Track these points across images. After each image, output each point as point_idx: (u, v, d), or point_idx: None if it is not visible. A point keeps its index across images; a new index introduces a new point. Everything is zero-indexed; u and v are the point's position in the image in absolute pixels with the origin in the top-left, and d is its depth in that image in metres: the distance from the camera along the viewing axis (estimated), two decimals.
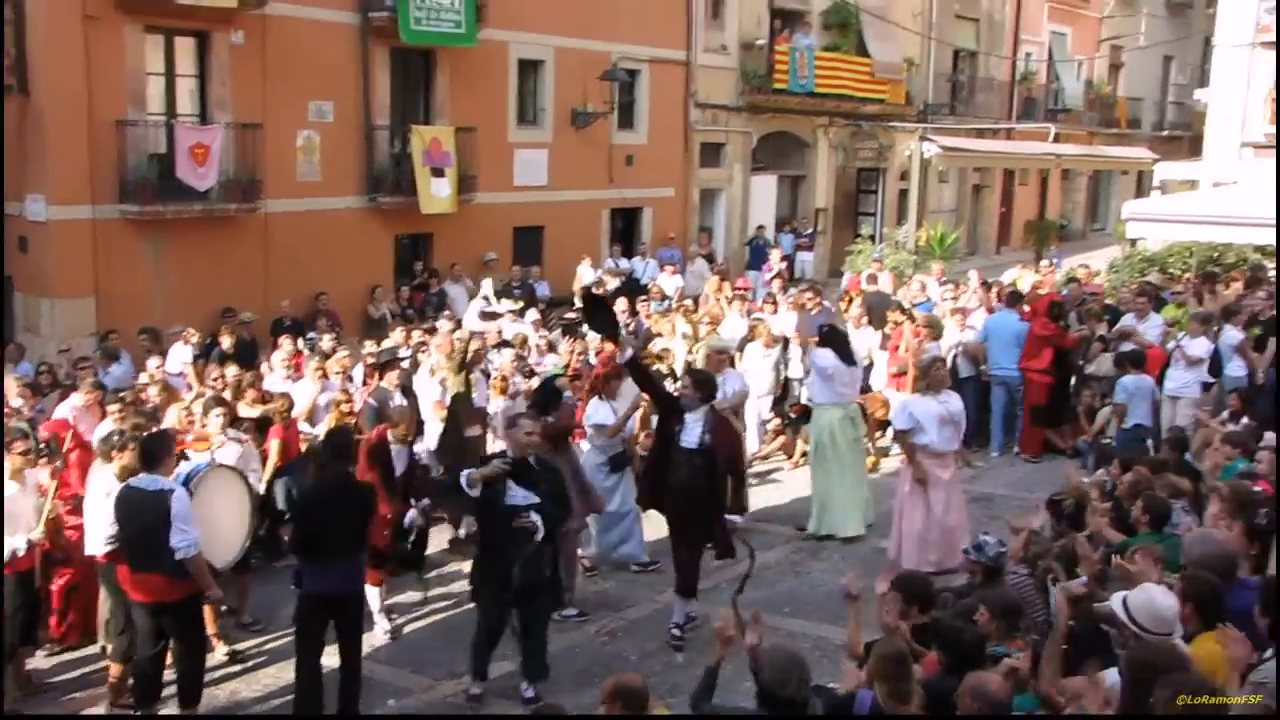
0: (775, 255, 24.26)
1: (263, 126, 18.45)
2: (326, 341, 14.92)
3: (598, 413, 11.04)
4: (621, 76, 24.05)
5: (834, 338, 12.49)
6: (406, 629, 10.00)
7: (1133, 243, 24.90)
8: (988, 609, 6.37)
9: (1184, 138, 43.51)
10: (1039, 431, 15.34)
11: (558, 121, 23.43)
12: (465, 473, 8.31)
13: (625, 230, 25.53)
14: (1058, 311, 15.43)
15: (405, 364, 13.30)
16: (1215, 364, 14.27)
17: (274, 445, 11.08)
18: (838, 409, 12.27)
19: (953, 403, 11.11)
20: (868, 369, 15.07)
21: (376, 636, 9.56)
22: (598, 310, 10.79)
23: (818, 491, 12.31)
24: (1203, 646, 5.62)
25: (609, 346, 11.69)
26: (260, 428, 11.15)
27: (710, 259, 24.72)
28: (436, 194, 20.49)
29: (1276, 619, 5.60)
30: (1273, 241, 22.06)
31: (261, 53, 18.55)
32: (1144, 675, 4.72)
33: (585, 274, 21.55)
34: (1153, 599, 5.85)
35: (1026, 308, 15.68)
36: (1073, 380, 15.70)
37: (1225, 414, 12.48)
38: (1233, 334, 14.54)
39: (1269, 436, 10.28)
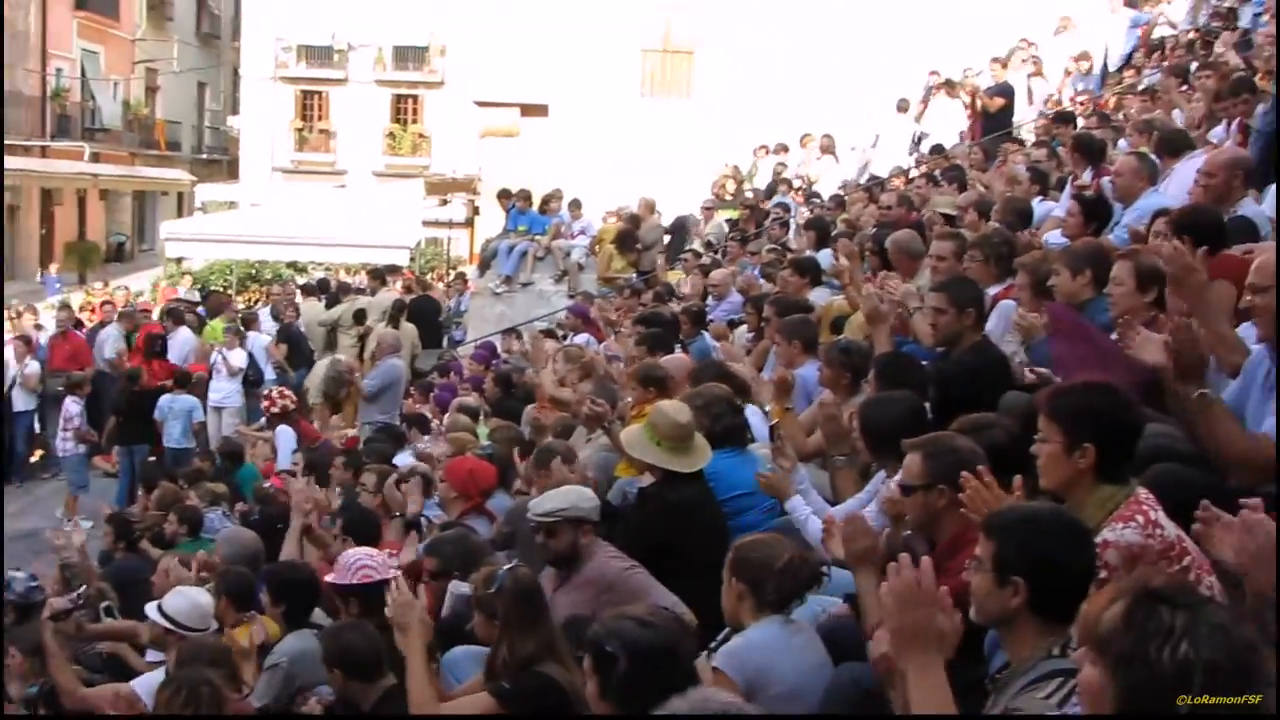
0: None
1: None
2: None
3: None
4: None
5: None
6: None
7: (177, 261, 25.38)
8: (19, 649, 6.16)
9: (222, 161, 45.19)
10: None
11: None
12: None
13: None
14: None
15: None
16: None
17: None
18: None
19: None
20: None
21: None
22: None
23: None
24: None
25: None
26: None
27: None
28: None
29: None
30: (300, 258, 24.05)
31: None
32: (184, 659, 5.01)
33: None
34: (194, 600, 6.12)
35: None
36: None
37: (263, 420, 13.37)
38: (263, 339, 15.52)
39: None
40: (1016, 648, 2.92)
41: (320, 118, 40.92)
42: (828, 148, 17.27)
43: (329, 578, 5.58)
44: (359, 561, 5.45)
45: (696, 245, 15.69)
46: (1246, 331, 4.28)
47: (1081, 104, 14.27)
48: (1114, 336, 4.88)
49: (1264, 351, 3.98)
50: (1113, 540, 3.19)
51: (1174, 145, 8.11)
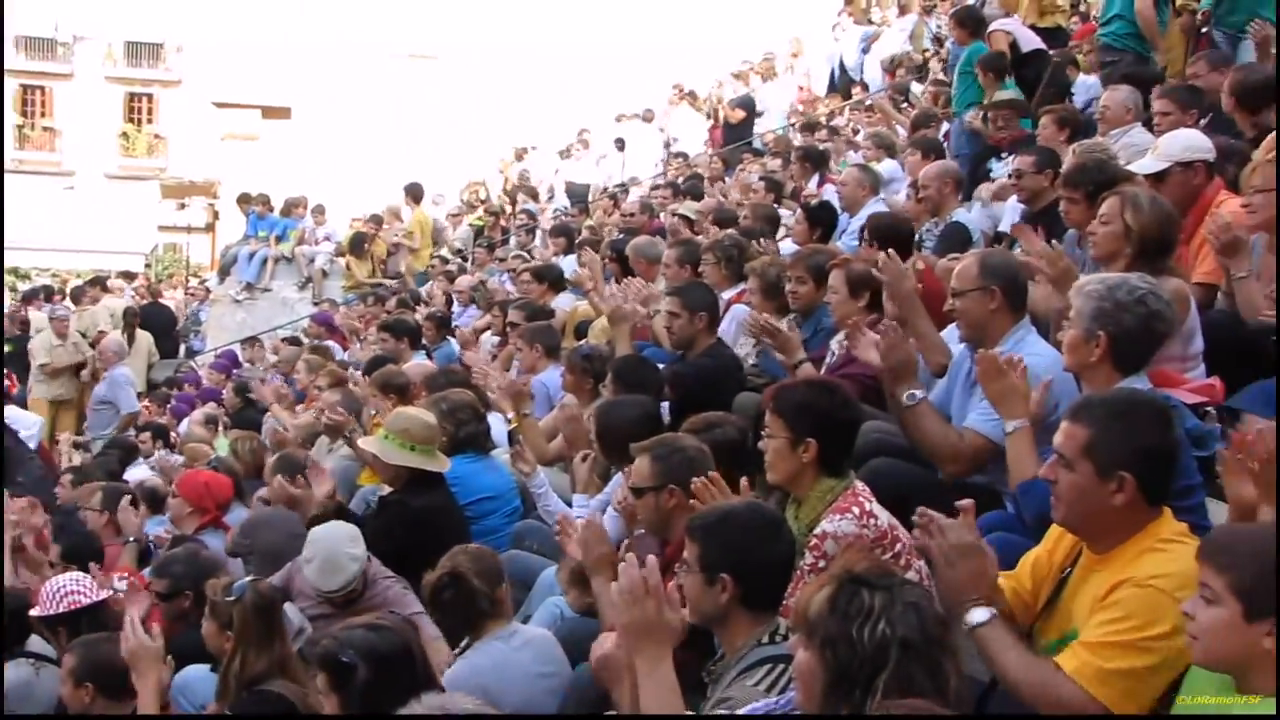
0: None
1: None
2: None
3: None
4: None
5: None
6: None
7: None
8: None
9: None
10: None
11: None
12: None
13: None
14: None
15: None
16: None
17: None
18: None
19: None
20: None
21: None
22: None
23: None
24: None
25: None
26: None
27: None
28: None
29: None
30: (23, 263, 22.62)
31: None
32: None
33: None
34: None
35: None
36: None
37: None
38: None
39: None
40: (731, 639, 3.02)
41: (44, 114, 38.49)
42: (578, 155, 17.46)
43: (33, 612, 5.23)
44: (64, 588, 5.12)
45: (444, 251, 15.60)
46: (951, 334, 4.58)
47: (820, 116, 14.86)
48: (839, 337, 5.16)
49: (965, 352, 4.25)
50: (830, 531, 3.36)
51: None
